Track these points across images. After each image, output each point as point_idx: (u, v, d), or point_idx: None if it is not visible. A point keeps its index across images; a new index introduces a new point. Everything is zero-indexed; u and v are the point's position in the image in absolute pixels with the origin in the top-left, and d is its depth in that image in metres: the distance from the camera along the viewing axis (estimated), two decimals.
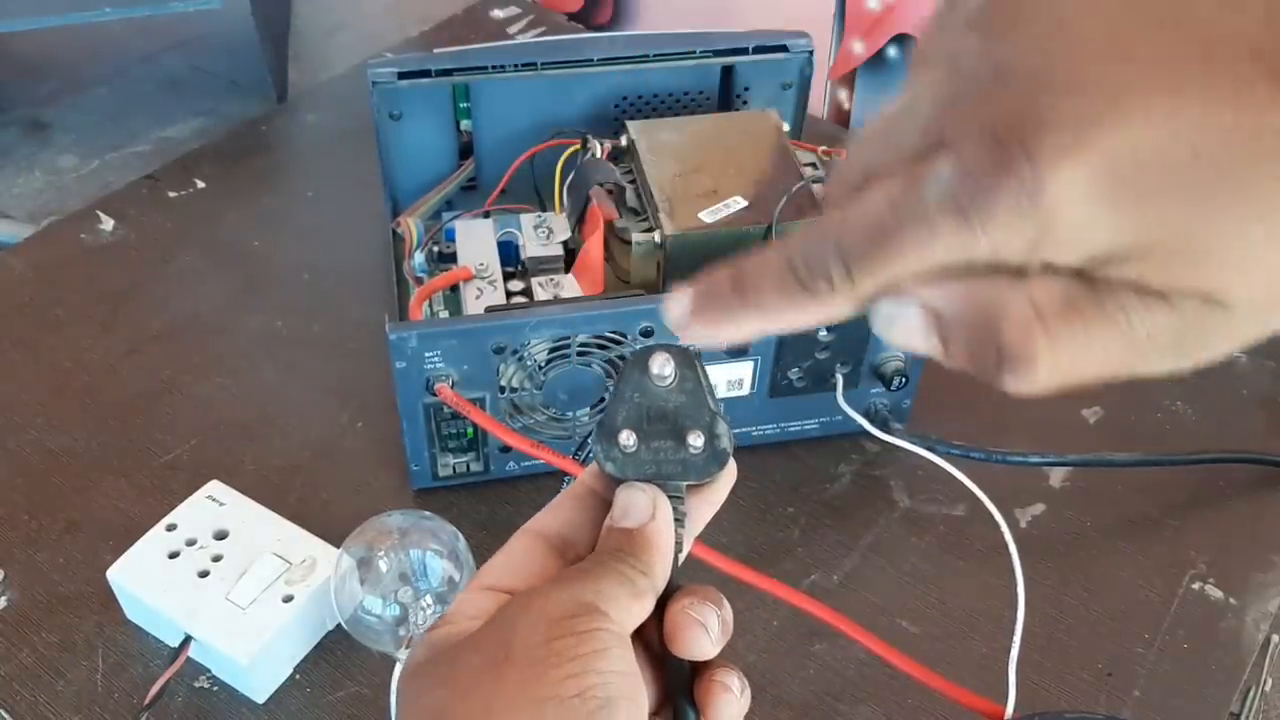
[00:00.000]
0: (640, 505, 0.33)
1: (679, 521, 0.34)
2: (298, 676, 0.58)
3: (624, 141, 0.70)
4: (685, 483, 0.34)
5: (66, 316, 0.78)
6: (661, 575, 0.33)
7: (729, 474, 0.35)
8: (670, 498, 0.34)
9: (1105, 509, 0.67)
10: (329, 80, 1.02)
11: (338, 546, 0.59)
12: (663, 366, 0.34)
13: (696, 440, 0.34)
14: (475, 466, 0.66)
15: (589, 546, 0.35)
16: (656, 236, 0.64)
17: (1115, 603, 0.63)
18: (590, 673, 0.29)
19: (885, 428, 0.66)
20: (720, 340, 0.28)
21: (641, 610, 0.32)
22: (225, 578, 0.57)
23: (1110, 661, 0.60)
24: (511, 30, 1.06)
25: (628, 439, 0.34)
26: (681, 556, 0.35)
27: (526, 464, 0.67)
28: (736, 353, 0.64)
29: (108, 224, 0.85)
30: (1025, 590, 0.57)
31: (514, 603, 0.32)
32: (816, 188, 0.68)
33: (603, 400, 0.64)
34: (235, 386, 0.73)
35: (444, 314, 0.65)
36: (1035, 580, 0.62)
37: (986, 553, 0.64)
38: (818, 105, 1.00)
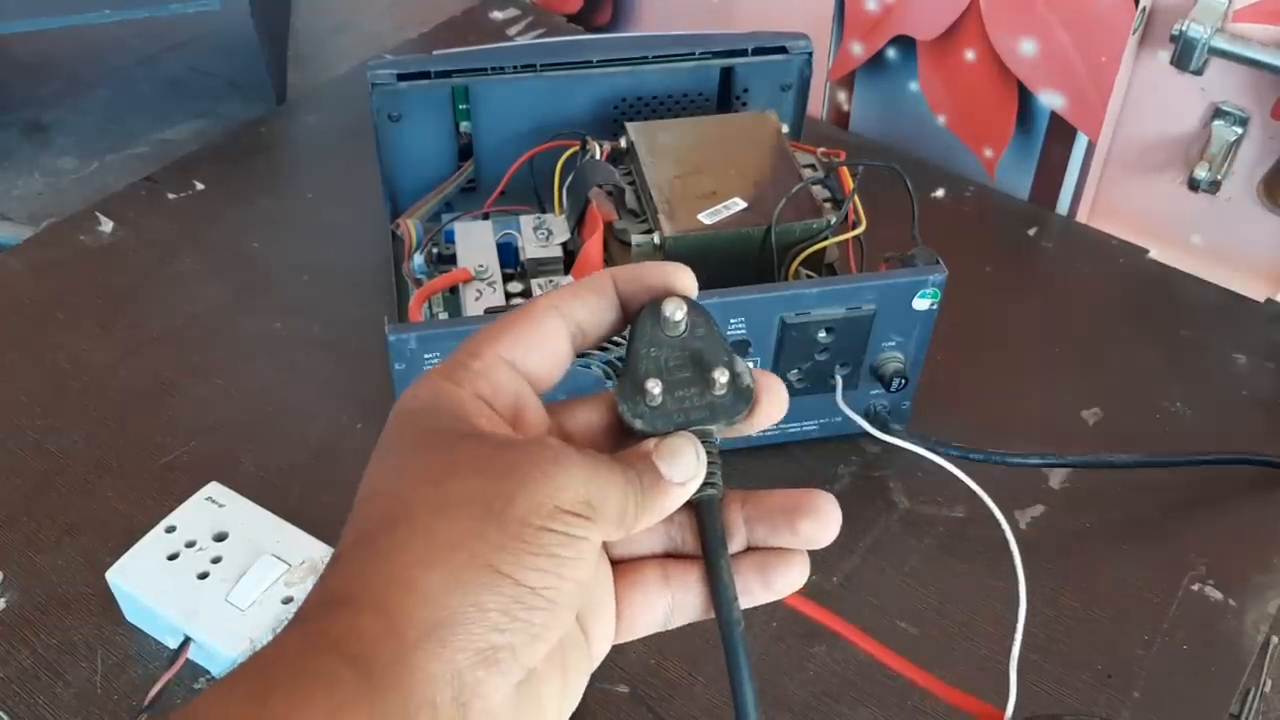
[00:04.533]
0: (686, 462, 0.32)
1: (713, 466, 0.34)
2: None
3: (623, 143, 0.70)
4: (715, 426, 0.34)
5: (66, 317, 0.78)
6: (648, 523, 0.32)
7: (766, 408, 0.34)
8: (702, 444, 0.33)
9: (1105, 510, 0.67)
10: (328, 82, 1.02)
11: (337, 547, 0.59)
12: (674, 311, 0.33)
13: (721, 377, 0.33)
14: None
15: (596, 341, 0.34)
16: (656, 238, 0.64)
17: (1115, 604, 0.63)
18: (554, 575, 0.29)
19: (885, 429, 0.66)
20: None
21: (615, 538, 0.32)
22: (225, 579, 0.57)
23: (1110, 663, 0.60)
24: (511, 31, 1.06)
25: (654, 388, 0.33)
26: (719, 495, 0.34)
27: None
28: (737, 353, 0.64)
29: (107, 225, 0.85)
30: (1026, 591, 0.57)
31: (534, 455, 0.30)
32: (816, 188, 0.68)
33: None
34: (235, 387, 0.73)
35: (443, 315, 0.65)
36: (1035, 582, 0.62)
37: (986, 554, 0.64)
38: (817, 107, 1.00)
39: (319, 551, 0.59)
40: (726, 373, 0.33)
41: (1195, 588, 0.63)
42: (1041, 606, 0.62)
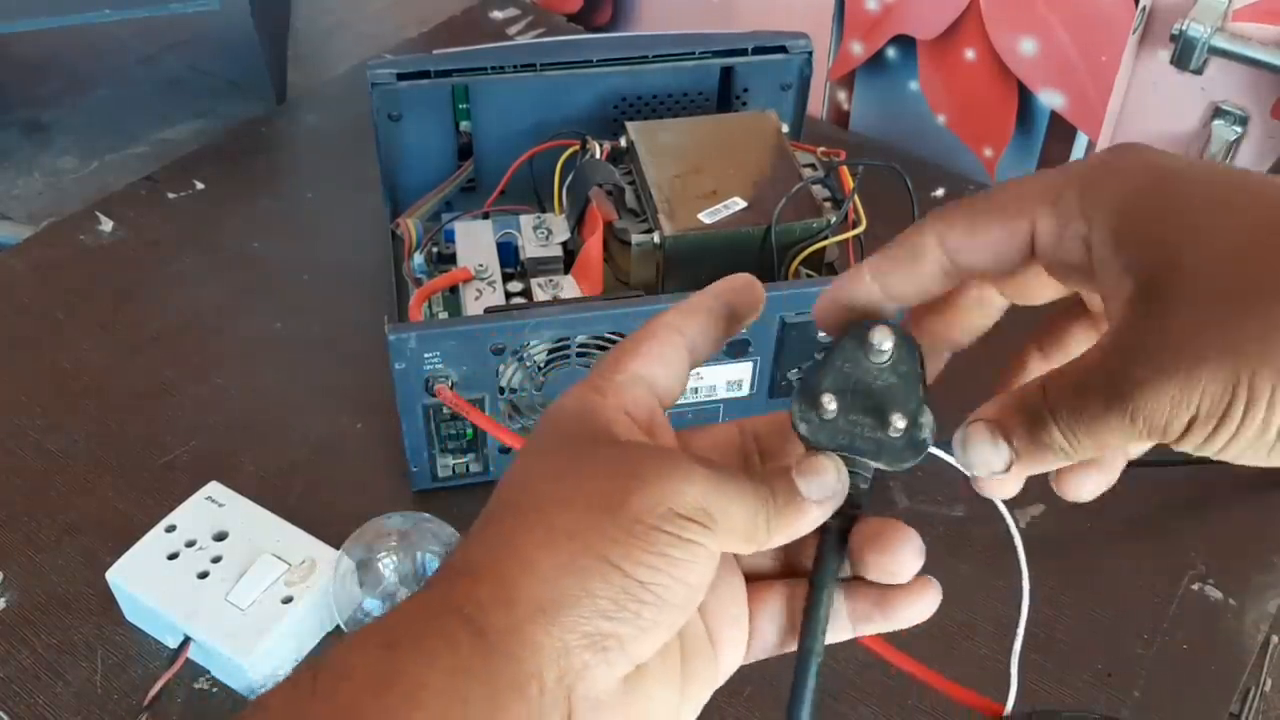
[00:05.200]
0: (826, 481, 0.32)
1: (857, 504, 0.33)
2: None
3: (623, 142, 0.70)
4: (875, 464, 0.33)
5: (66, 317, 0.78)
6: (782, 540, 0.32)
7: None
8: (853, 473, 0.33)
9: (1105, 510, 0.67)
10: (328, 81, 1.02)
11: (337, 547, 0.59)
12: (882, 340, 0.32)
13: (899, 423, 0.32)
14: (475, 467, 0.66)
15: (705, 358, 0.35)
16: (656, 237, 0.64)
17: (1115, 603, 0.63)
18: (665, 574, 0.29)
19: None
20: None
21: (745, 551, 0.32)
22: (225, 579, 0.57)
23: (1110, 662, 0.60)
24: (511, 31, 1.06)
25: (830, 402, 0.32)
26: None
27: None
28: (736, 353, 0.64)
29: (107, 225, 0.85)
30: (1029, 584, 0.57)
31: (657, 459, 0.31)
32: (816, 188, 0.68)
33: None
34: (235, 387, 0.73)
35: (443, 315, 0.65)
36: (1035, 581, 0.62)
37: (986, 553, 0.64)
38: (817, 106, 1.00)
39: (319, 551, 0.59)
40: (905, 420, 0.32)
41: (1195, 587, 0.63)
42: (1042, 606, 0.62)
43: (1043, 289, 0.33)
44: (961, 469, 0.31)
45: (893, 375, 0.32)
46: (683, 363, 0.34)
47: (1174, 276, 0.26)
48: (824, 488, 0.32)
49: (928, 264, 0.32)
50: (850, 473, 0.33)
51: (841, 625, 0.34)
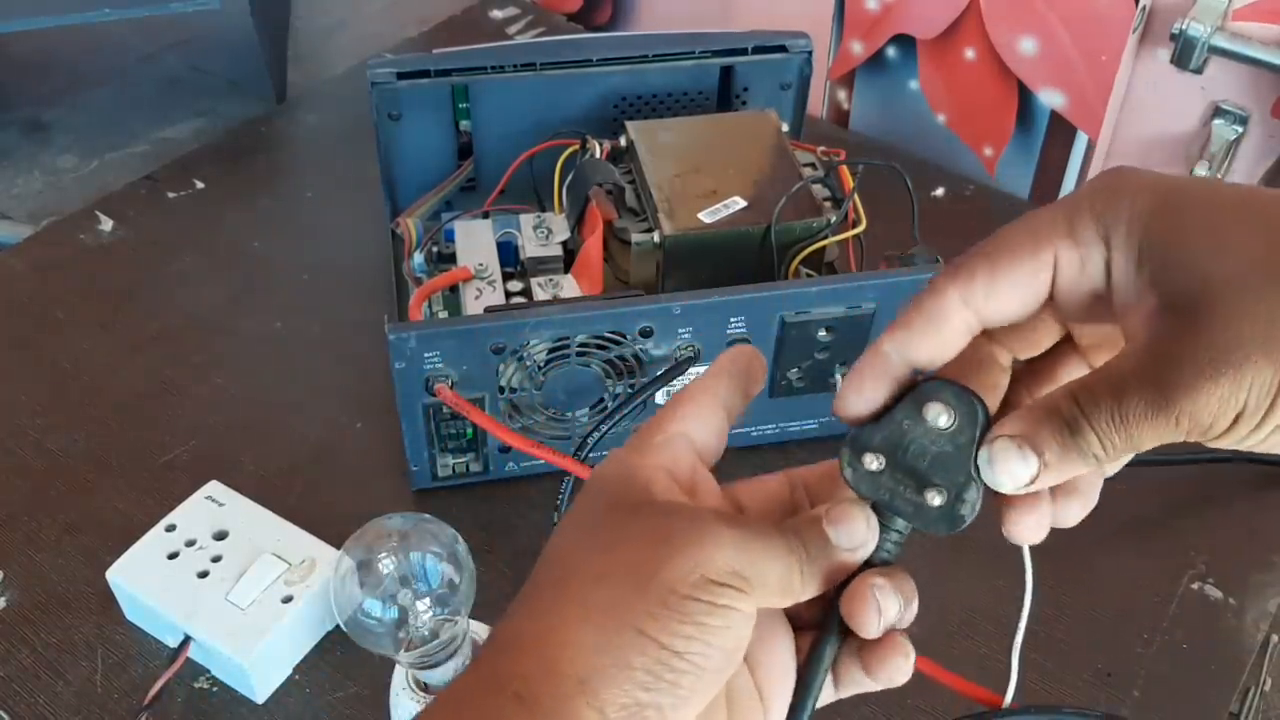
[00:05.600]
0: (856, 529, 0.33)
1: (888, 560, 0.34)
2: (297, 677, 0.58)
3: (623, 142, 0.70)
4: (911, 525, 0.33)
5: (66, 316, 0.78)
6: (818, 590, 0.33)
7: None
8: (888, 528, 0.33)
9: (1105, 509, 0.67)
10: (328, 80, 1.02)
11: (337, 547, 0.59)
12: (936, 417, 0.32)
13: (936, 498, 0.32)
14: (475, 467, 0.66)
15: (736, 413, 0.36)
16: (656, 236, 0.64)
17: (1115, 603, 0.63)
18: (700, 642, 0.30)
19: None
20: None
21: (783, 604, 0.33)
22: (225, 578, 0.57)
23: (1110, 661, 0.60)
24: (511, 30, 1.06)
25: (872, 461, 0.33)
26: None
27: (526, 464, 0.67)
28: None
29: (107, 224, 0.85)
30: (1032, 578, 0.57)
31: (687, 525, 0.31)
32: (816, 187, 0.68)
33: (602, 400, 0.64)
34: (235, 386, 0.73)
35: (443, 314, 0.65)
36: (1035, 579, 0.62)
37: (986, 552, 0.64)
38: (817, 105, 1.00)
39: (319, 550, 0.59)
40: (945, 495, 0.32)
41: (1195, 586, 0.64)
42: (1042, 605, 0.62)
43: (1046, 335, 0.34)
44: (990, 486, 0.31)
45: (949, 444, 0.32)
46: (720, 419, 0.36)
47: (1205, 288, 0.27)
48: (853, 536, 0.33)
49: (953, 326, 0.31)
50: (884, 525, 0.33)
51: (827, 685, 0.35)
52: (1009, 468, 0.30)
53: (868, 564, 0.34)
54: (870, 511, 0.33)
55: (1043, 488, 0.31)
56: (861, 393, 0.32)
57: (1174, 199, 0.29)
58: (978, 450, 0.31)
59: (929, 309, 0.31)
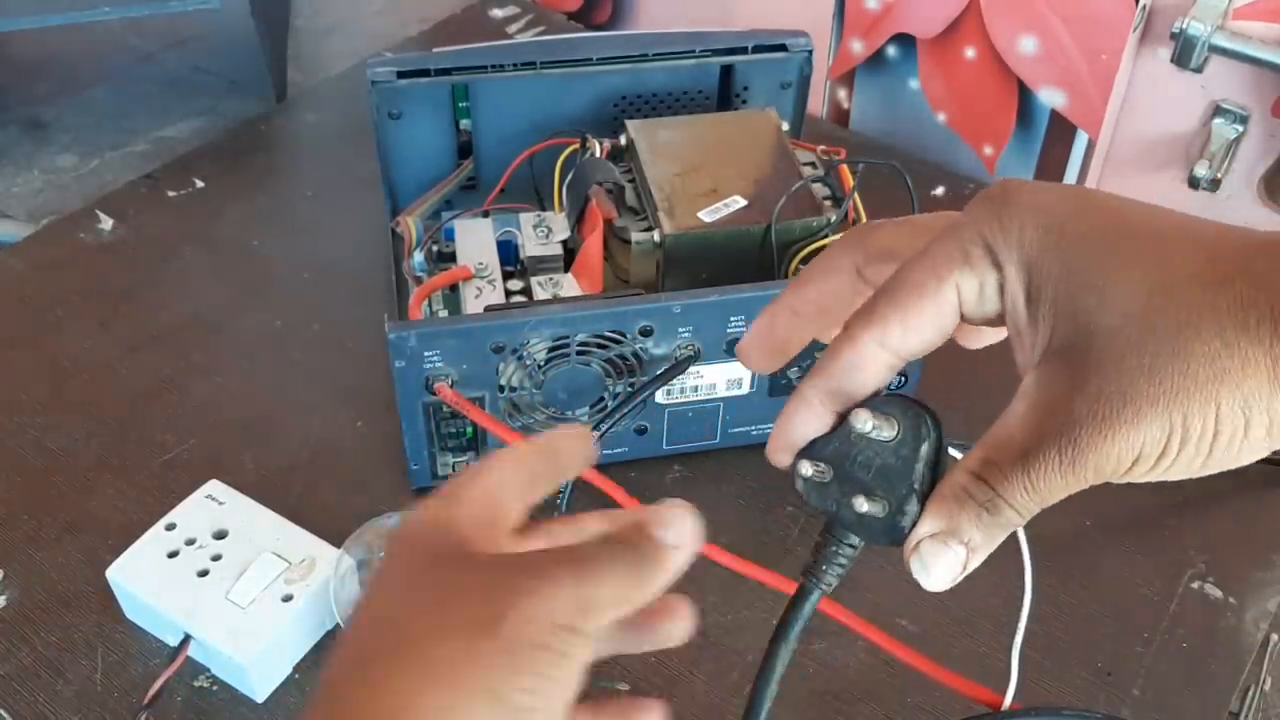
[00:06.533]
0: (684, 528, 0.33)
1: (835, 568, 0.35)
2: (297, 676, 0.58)
3: (623, 141, 0.70)
4: (855, 537, 0.34)
5: (66, 316, 0.78)
6: (661, 587, 0.33)
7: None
8: (836, 540, 0.34)
9: (1104, 508, 0.67)
10: (328, 80, 1.02)
11: (337, 545, 0.59)
12: (880, 430, 0.32)
13: (876, 509, 0.33)
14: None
15: (542, 494, 0.35)
16: (656, 236, 0.64)
17: (1114, 602, 0.63)
18: (543, 695, 0.29)
19: None
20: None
21: (633, 609, 0.32)
22: (225, 577, 0.57)
23: (1109, 660, 0.60)
24: (511, 29, 1.06)
25: (817, 472, 0.33)
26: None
27: None
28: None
29: (107, 223, 0.85)
30: (1032, 578, 0.57)
31: (521, 572, 0.31)
32: (816, 186, 0.68)
33: (602, 400, 0.64)
34: (235, 386, 0.73)
35: (443, 313, 0.65)
36: (1034, 579, 0.62)
37: None
38: (817, 105, 1.00)
39: (319, 549, 0.59)
40: (885, 507, 0.33)
41: (1195, 585, 0.64)
42: (1041, 603, 0.62)
43: (979, 336, 0.36)
44: (929, 589, 0.32)
45: (892, 456, 0.33)
46: (531, 484, 0.35)
47: (1094, 336, 0.29)
48: (681, 534, 0.33)
49: (875, 369, 0.33)
50: (836, 541, 0.34)
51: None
52: (942, 564, 0.32)
53: (818, 592, 0.35)
54: (693, 512, 0.33)
55: (972, 569, 0.32)
56: (788, 438, 0.34)
57: (1061, 236, 0.30)
58: (930, 458, 0.32)
59: (849, 359, 0.33)
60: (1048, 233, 0.30)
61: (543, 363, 0.61)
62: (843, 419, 0.33)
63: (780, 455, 0.35)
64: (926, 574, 0.32)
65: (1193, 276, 0.29)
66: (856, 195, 0.67)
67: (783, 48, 0.75)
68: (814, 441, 0.34)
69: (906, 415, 0.32)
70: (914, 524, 0.32)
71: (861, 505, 0.33)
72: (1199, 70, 0.80)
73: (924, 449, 0.32)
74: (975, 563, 0.32)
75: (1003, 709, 0.54)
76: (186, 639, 0.56)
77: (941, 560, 0.31)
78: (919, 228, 0.35)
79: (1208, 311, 0.28)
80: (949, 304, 0.32)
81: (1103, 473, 0.29)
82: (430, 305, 0.65)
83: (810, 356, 0.66)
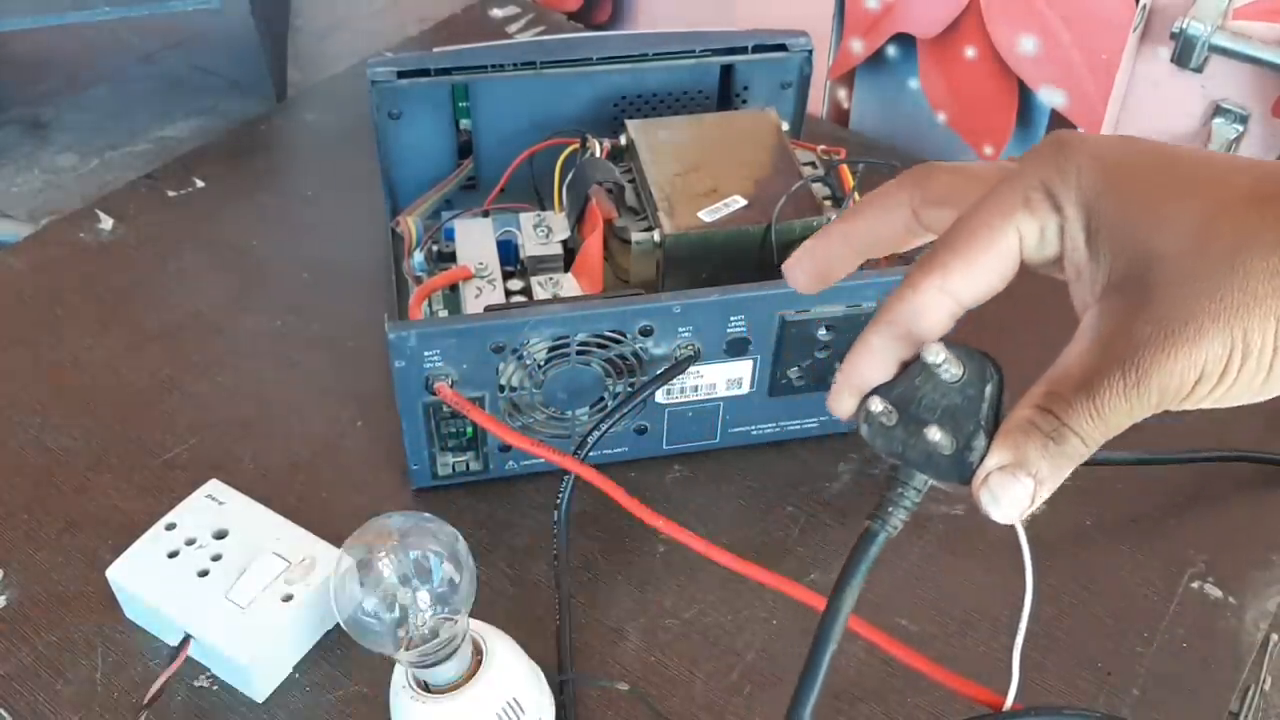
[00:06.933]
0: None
1: (905, 511, 0.35)
2: (298, 676, 0.58)
3: (623, 140, 0.70)
4: (925, 477, 0.34)
5: (66, 316, 0.78)
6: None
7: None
8: (902, 481, 0.34)
9: (1104, 507, 0.67)
10: (328, 79, 1.02)
11: (337, 545, 0.59)
12: (934, 356, 0.33)
13: (945, 441, 0.33)
14: (475, 465, 0.66)
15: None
16: (656, 235, 0.64)
17: (1114, 602, 0.63)
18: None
19: None
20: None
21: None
22: (225, 577, 0.57)
23: (1109, 660, 0.60)
24: (511, 29, 1.06)
25: (884, 414, 0.34)
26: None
27: (526, 463, 0.67)
28: (736, 351, 0.64)
29: (107, 223, 0.85)
30: (1033, 577, 0.57)
31: None
32: (816, 186, 0.68)
33: (602, 399, 0.64)
34: (235, 385, 0.73)
35: (443, 313, 0.65)
36: (1034, 578, 0.62)
37: (986, 552, 0.64)
38: (817, 104, 1.00)
39: (319, 549, 0.59)
40: (955, 444, 0.33)
41: (1195, 585, 0.64)
42: (1041, 603, 0.62)
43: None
44: (999, 522, 0.32)
45: (958, 396, 0.33)
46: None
47: (1152, 264, 0.30)
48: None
49: (937, 317, 0.34)
50: (901, 483, 0.34)
51: None
52: (1011, 496, 0.31)
53: (884, 534, 0.35)
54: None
55: (1040, 503, 0.32)
56: (852, 383, 0.35)
57: (1116, 175, 0.31)
58: (995, 400, 0.33)
59: (912, 305, 0.33)
60: (1103, 174, 0.31)
61: (543, 363, 0.61)
62: (904, 368, 0.34)
63: (844, 400, 0.35)
64: (996, 506, 0.32)
65: (1244, 199, 0.30)
66: (856, 195, 0.67)
67: (783, 47, 0.75)
68: (877, 388, 0.34)
69: (972, 358, 0.33)
70: (981, 459, 0.33)
71: (933, 435, 0.33)
72: (1199, 70, 0.80)
73: (989, 389, 0.33)
74: (1043, 495, 0.32)
75: (1003, 709, 0.53)
76: (186, 639, 0.56)
77: (1010, 492, 0.31)
78: (975, 177, 0.35)
79: (1265, 230, 0.29)
80: (1010, 249, 0.33)
81: (1166, 393, 0.30)
82: (430, 305, 0.65)
83: (811, 356, 0.66)
